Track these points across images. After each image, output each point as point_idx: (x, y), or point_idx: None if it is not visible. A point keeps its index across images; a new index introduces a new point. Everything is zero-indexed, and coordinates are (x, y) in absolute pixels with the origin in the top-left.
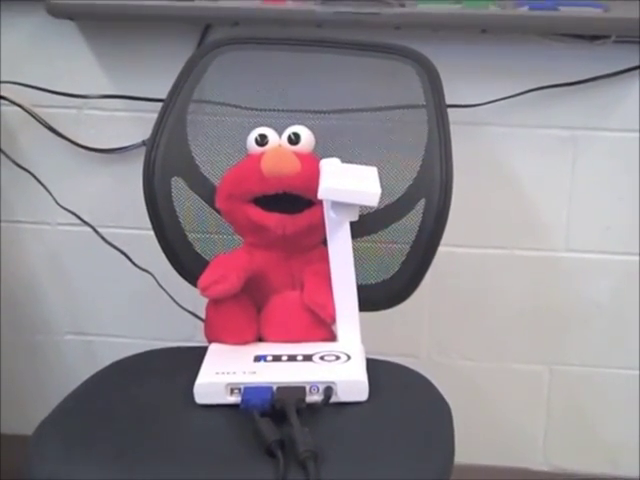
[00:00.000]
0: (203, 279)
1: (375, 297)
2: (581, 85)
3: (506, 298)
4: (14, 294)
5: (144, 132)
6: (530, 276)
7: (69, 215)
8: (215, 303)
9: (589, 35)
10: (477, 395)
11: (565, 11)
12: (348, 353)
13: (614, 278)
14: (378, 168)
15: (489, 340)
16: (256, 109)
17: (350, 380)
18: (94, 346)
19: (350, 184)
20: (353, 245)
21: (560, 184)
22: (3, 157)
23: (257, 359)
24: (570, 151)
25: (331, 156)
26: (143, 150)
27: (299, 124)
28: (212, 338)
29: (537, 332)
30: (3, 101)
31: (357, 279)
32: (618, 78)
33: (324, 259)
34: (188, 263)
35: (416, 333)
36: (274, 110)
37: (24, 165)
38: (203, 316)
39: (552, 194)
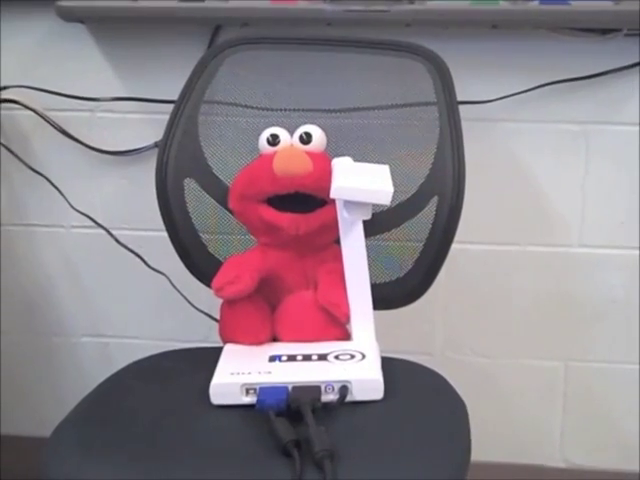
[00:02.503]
0: (217, 280)
1: (389, 295)
2: (593, 79)
3: (520, 294)
4: (30, 297)
5: (156, 134)
6: (544, 272)
7: (83, 218)
8: (229, 304)
9: (600, 29)
10: (492, 392)
11: (576, 5)
12: (363, 352)
13: (629, 273)
14: (390, 166)
15: (504, 336)
16: (267, 109)
17: (365, 379)
18: (110, 348)
19: (362, 183)
20: (366, 244)
21: (573, 179)
22: (17, 161)
23: (272, 359)
24: (582, 146)
25: (343, 155)
26: (155, 152)
27: (310, 123)
28: (227, 339)
29: (552, 328)
30: (16, 105)
31: (371, 278)
32: (630, 72)
33: (337, 258)
34: (202, 264)
35: (430, 330)
36: (285, 110)
37: (38, 169)
38: (217, 317)
39: (565, 189)
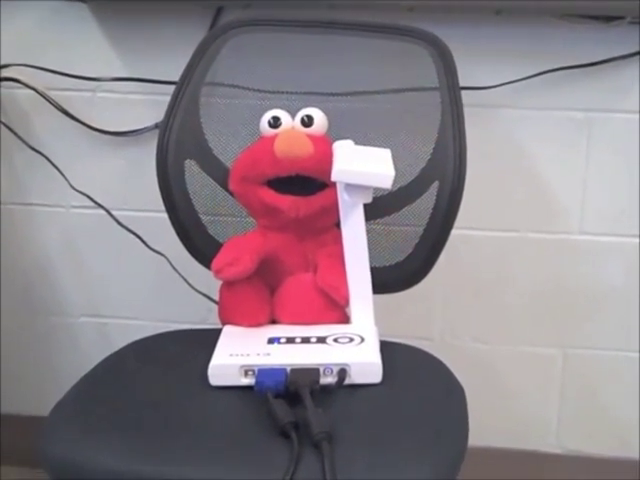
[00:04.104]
0: (216, 261)
1: (388, 279)
2: (596, 67)
3: (520, 281)
4: (29, 277)
5: (157, 115)
6: (544, 259)
7: (83, 198)
8: (229, 285)
9: (604, 16)
10: (490, 378)
11: None
12: (362, 335)
13: (629, 261)
14: (392, 150)
15: (502, 323)
16: (269, 91)
17: (364, 362)
18: (108, 328)
19: (363, 166)
20: (367, 227)
21: (575, 166)
22: (17, 140)
23: (271, 341)
24: (585, 133)
25: (344, 138)
26: (156, 133)
27: (312, 106)
28: (226, 320)
29: (551, 315)
30: (17, 84)
31: (370, 261)
32: (634, 59)
33: (337, 241)
34: (201, 245)
35: (429, 316)
36: (287, 92)
37: (38, 148)
38: (217, 298)
39: (567, 177)
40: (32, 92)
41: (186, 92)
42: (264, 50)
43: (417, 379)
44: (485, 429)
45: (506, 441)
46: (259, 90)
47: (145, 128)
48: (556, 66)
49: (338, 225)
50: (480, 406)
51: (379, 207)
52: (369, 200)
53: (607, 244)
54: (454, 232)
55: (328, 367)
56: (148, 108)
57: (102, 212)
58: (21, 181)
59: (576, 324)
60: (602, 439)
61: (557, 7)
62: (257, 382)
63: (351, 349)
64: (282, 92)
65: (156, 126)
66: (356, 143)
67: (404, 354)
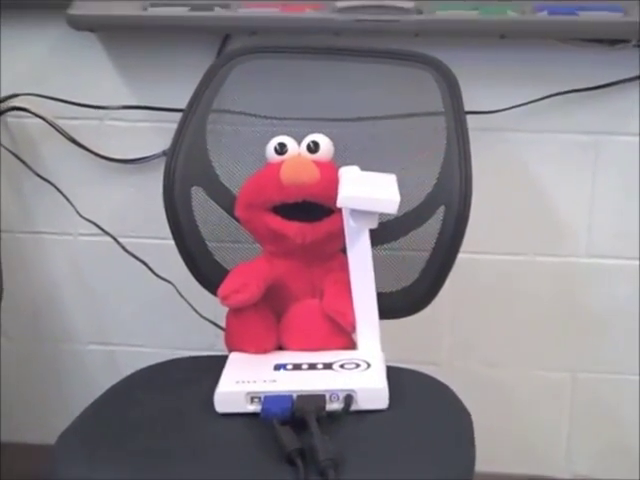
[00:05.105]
0: (223, 288)
1: (395, 305)
2: (601, 90)
3: (527, 304)
4: (36, 304)
5: (164, 142)
6: (551, 282)
7: (90, 225)
8: (235, 312)
9: (609, 40)
10: (498, 402)
11: (584, 16)
12: (368, 361)
13: (637, 283)
14: (397, 175)
15: (510, 347)
16: (275, 118)
17: (370, 388)
18: (116, 355)
19: (369, 192)
20: (373, 253)
21: (581, 190)
22: (25, 168)
23: (277, 368)
24: (591, 156)
25: (350, 164)
26: (163, 160)
27: (318, 132)
28: (232, 347)
29: (559, 338)
30: (25, 113)
31: (377, 287)
32: (638, 82)
33: (344, 267)
34: (208, 272)
35: (437, 340)
36: (293, 119)
37: (46, 176)
38: (223, 325)
39: (573, 200)
40: (40, 121)
41: (193, 119)
42: (270, 77)
43: (424, 405)
44: (493, 454)
45: (515, 466)
46: (265, 117)
47: (152, 155)
48: (561, 90)
49: (344, 251)
50: (488, 430)
51: (385, 232)
52: (375, 225)
53: (615, 266)
54: (460, 256)
55: (334, 393)
56: (155, 135)
57: (109, 239)
58: (29, 209)
59: (585, 347)
60: (612, 464)
61: (562, 31)
62: (263, 409)
63: (357, 375)
64: (288, 118)
65: (163, 153)
66: (362, 169)
67: (411, 380)
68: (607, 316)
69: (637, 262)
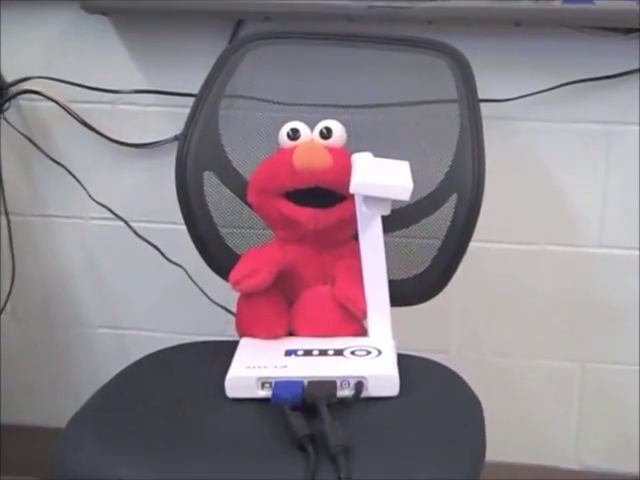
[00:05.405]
0: (234, 273)
1: (406, 292)
2: (615, 79)
3: (538, 294)
4: (47, 288)
5: (177, 127)
6: (562, 272)
7: (102, 209)
8: (246, 297)
9: (623, 28)
10: (508, 392)
11: (599, 4)
12: (379, 348)
13: None
14: (410, 162)
15: (520, 336)
16: (288, 104)
17: (381, 375)
18: (126, 340)
19: (382, 178)
20: (384, 240)
21: (593, 179)
22: (37, 151)
23: (288, 353)
24: (604, 146)
25: (363, 150)
26: (175, 145)
27: (331, 118)
28: (243, 332)
29: (569, 329)
30: (38, 96)
31: (388, 274)
32: None
33: (355, 254)
34: (220, 257)
35: (447, 329)
36: (306, 105)
37: (58, 159)
38: (234, 310)
39: (585, 189)
40: (53, 104)
41: (205, 104)
42: (283, 62)
43: (434, 392)
44: (502, 444)
45: (523, 456)
46: (278, 102)
47: (164, 140)
48: (575, 78)
49: (356, 237)
50: (497, 420)
51: (397, 219)
52: (387, 212)
53: (626, 257)
54: (472, 245)
55: (345, 380)
56: (168, 120)
57: (121, 224)
58: (40, 192)
59: (595, 338)
60: (621, 455)
61: (576, 20)
62: (274, 394)
63: (368, 362)
64: (301, 104)
65: (175, 138)
66: (374, 155)
67: (421, 367)
68: (617, 307)
69: None
